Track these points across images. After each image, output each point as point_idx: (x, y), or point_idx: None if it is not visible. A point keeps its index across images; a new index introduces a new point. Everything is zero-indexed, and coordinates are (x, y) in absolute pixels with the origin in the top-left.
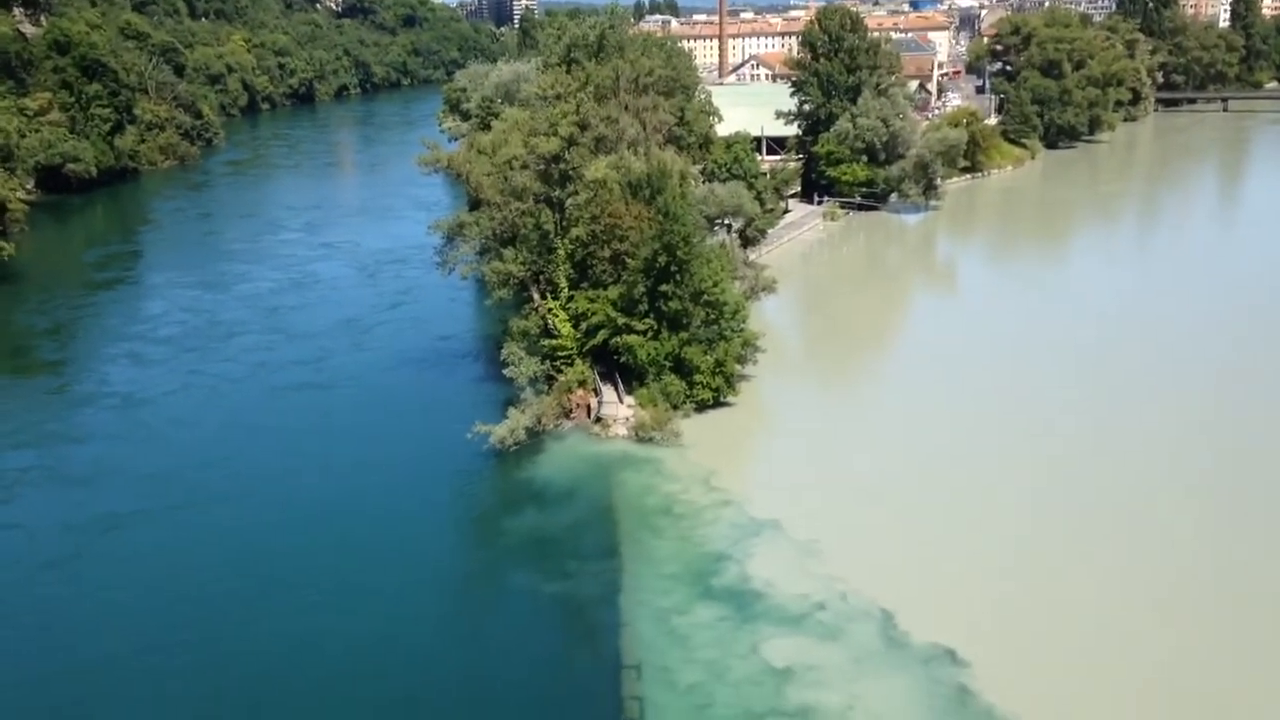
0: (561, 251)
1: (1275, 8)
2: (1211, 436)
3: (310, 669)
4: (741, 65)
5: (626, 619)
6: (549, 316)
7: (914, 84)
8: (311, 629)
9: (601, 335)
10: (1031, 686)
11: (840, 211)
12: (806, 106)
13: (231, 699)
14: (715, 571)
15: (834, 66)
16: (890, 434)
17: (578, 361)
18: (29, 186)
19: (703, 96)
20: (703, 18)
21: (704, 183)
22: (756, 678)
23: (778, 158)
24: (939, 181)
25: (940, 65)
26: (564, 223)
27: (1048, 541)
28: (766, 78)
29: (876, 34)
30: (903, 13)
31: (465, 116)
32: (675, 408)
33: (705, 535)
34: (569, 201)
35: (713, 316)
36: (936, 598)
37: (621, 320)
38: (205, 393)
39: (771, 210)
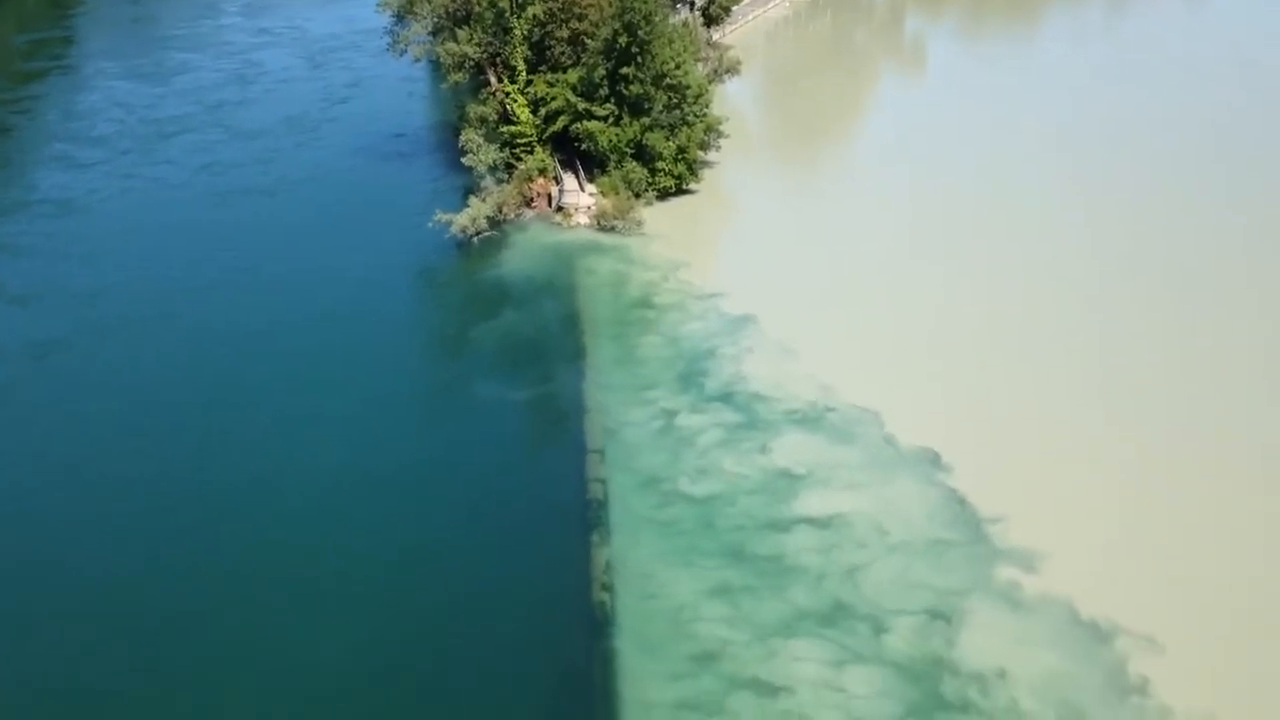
0: (518, 32)
1: None
2: (1187, 222)
3: (280, 489)
4: None
5: (603, 414)
6: (507, 102)
7: None
8: (278, 447)
9: (561, 121)
10: (1009, 486)
11: None
12: None
13: (191, 532)
14: (702, 371)
15: None
16: (857, 223)
17: (538, 149)
18: None
19: None
20: None
21: None
22: (768, 483)
23: None
24: None
25: None
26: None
27: (1014, 333)
28: None
29: None
30: None
31: None
32: (637, 196)
33: (677, 332)
34: None
35: (675, 101)
36: (913, 395)
37: (581, 105)
38: (145, 198)
39: None
